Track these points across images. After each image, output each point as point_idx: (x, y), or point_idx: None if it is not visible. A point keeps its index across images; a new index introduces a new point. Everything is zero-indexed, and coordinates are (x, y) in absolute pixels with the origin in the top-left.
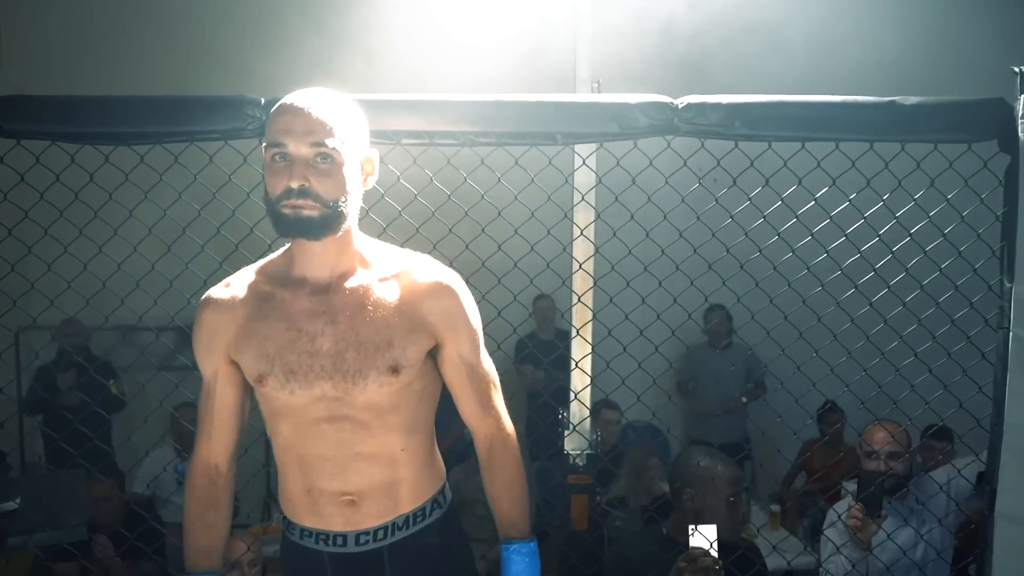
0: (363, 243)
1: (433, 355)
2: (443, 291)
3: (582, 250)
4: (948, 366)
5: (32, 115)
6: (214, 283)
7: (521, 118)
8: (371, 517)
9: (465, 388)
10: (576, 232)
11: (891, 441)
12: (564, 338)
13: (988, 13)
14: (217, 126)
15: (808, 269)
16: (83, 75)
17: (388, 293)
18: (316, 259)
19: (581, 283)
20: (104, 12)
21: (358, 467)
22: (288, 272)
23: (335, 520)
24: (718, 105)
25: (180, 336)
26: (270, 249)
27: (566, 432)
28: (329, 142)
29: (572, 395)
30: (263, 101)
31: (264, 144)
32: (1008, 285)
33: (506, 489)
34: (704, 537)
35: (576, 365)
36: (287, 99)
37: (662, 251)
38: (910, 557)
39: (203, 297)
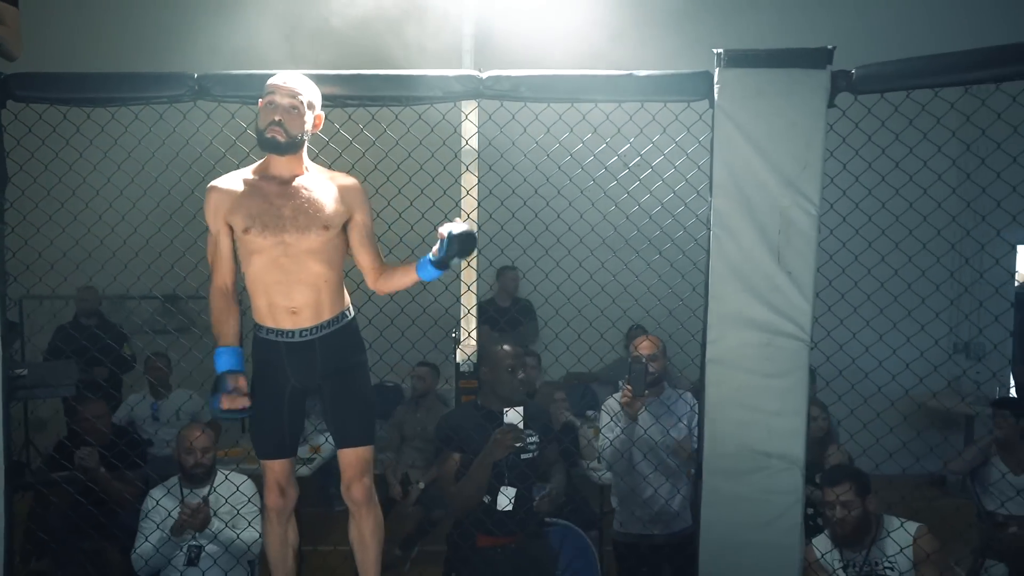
0: (308, 161)
1: (346, 229)
2: (355, 187)
3: (469, 205)
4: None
5: (38, 86)
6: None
7: (385, 86)
8: (307, 320)
9: (365, 244)
10: (463, 192)
11: (652, 348)
12: (521, 305)
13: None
14: (165, 93)
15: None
16: (76, 53)
17: (323, 187)
18: (282, 165)
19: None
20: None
21: (298, 288)
22: (265, 172)
23: (286, 323)
24: (509, 77)
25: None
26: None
27: (457, 347)
28: (298, 99)
29: (464, 310)
30: (196, 75)
31: (262, 98)
32: (709, 199)
33: (395, 273)
34: (515, 414)
35: (468, 288)
36: (281, 73)
37: (537, 215)
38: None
39: (210, 185)
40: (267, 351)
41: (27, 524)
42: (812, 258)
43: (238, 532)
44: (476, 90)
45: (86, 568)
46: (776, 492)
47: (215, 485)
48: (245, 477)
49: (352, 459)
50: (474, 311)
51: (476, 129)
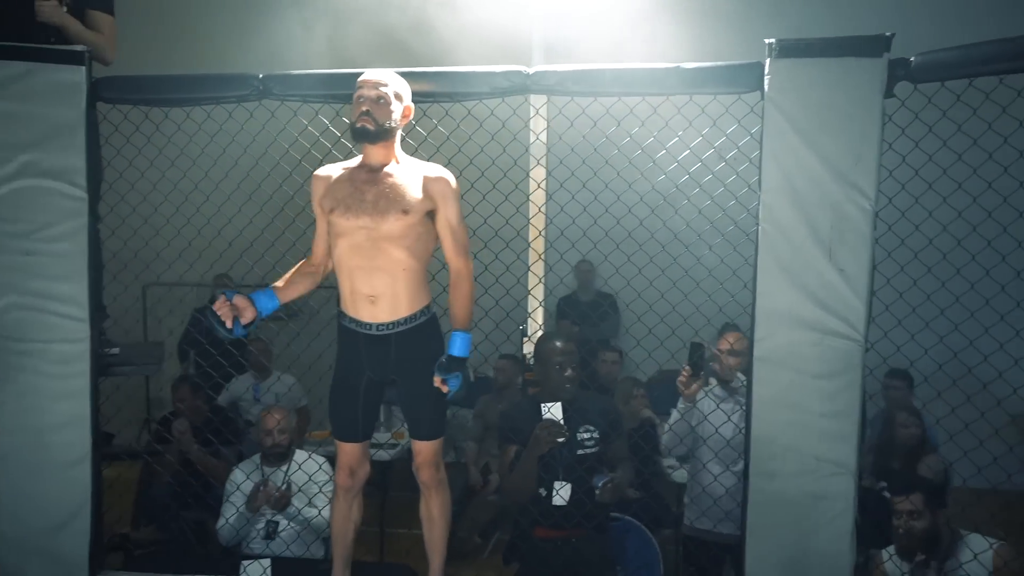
0: (400, 152)
1: (432, 218)
2: (442, 179)
3: (537, 195)
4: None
5: (123, 88)
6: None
7: (433, 82)
8: (384, 313)
9: (448, 238)
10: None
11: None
12: (603, 298)
13: None
14: (233, 93)
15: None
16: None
17: (410, 176)
18: (373, 154)
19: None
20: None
21: (378, 275)
22: (359, 161)
23: (365, 313)
24: (555, 72)
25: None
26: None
27: (524, 339)
28: (383, 90)
29: (533, 303)
30: (260, 76)
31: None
32: (758, 193)
33: (460, 299)
34: (552, 413)
35: (530, 293)
36: (369, 71)
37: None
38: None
39: (313, 173)
40: (347, 339)
41: (136, 493)
42: (867, 255)
43: (307, 509)
44: (523, 85)
45: (187, 536)
46: (825, 497)
47: (291, 467)
48: (323, 458)
49: (420, 448)
50: (542, 303)
51: (525, 123)
